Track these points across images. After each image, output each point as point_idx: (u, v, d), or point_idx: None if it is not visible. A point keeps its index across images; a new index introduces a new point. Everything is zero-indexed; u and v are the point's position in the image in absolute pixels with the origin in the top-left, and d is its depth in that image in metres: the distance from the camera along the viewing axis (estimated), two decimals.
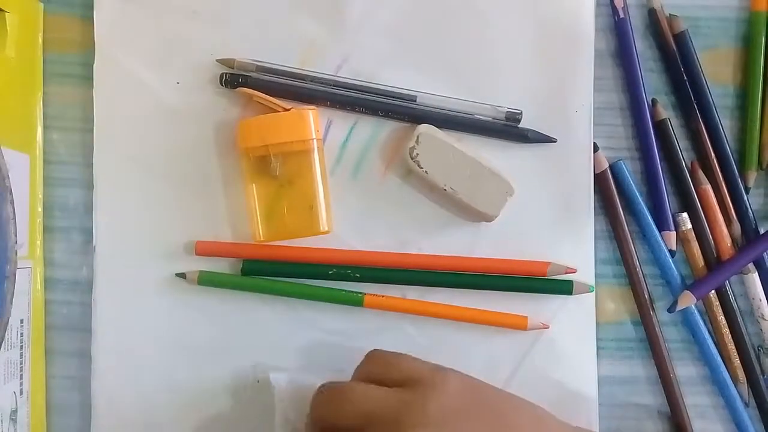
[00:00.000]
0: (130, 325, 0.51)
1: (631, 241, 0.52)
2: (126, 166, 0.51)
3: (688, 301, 0.51)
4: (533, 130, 0.51)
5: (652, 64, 0.53)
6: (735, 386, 0.52)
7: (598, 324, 0.52)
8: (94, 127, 0.51)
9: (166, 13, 0.51)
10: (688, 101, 0.52)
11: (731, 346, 0.52)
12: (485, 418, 0.42)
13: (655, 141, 0.52)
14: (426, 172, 0.50)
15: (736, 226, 0.52)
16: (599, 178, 0.52)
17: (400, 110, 0.51)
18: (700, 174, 0.52)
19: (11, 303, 0.46)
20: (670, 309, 0.52)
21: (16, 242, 0.47)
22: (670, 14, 0.52)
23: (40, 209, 0.51)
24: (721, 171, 0.52)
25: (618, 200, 0.52)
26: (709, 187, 0.52)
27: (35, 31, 0.51)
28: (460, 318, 0.51)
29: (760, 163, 0.52)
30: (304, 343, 0.51)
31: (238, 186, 0.51)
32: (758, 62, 0.52)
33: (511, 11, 0.52)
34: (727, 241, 0.52)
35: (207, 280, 0.51)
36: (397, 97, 0.51)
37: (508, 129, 0.51)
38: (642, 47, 0.53)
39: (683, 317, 0.52)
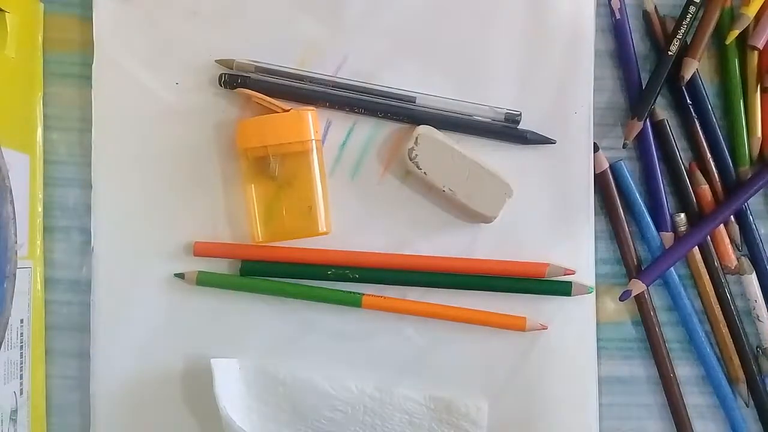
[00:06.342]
0: (130, 325, 0.51)
1: (631, 241, 0.52)
2: (125, 167, 0.51)
3: (639, 288, 0.51)
4: (532, 132, 0.51)
5: (652, 64, 0.52)
6: (736, 386, 0.52)
7: (598, 324, 0.52)
8: (93, 127, 0.51)
9: (166, 13, 0.51)
10: (684, 101, 0.52)
11: (731, 346, 0.52)
12: None
13: (653, 141, 0.52)
14: (425, 173, 0.50)
15: (734, 227, 0.52)
16: (599, 178, 0.52)
17: (399, 111, 0.51)
18: (698, 174, 0.52)
19: (11, 303, 0.46)
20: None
21: (16, 242, 0.47)
22: (663, 15, 0.52)
23: (40, 209, 0.51)
24: (718, 171, 0.52)
25: (618, 200, 0.52)
26: (707, 187, 0.52)
27: (35, 31, 0.52)
28: (459, 319, 0.51)
29: (751, 159, 0.52)
30: (303, 344, 0.51)
31: (237, 187, 0.51)
32: (733, 60, 0.52)
33: (511, 12, 0.51)
34: (725, 241, 0.52)
35: (205, 280, 0.51)
36: (397, 98, 0.51)
37: (507, 130, 0.51)
38: (643, 47, 0.52)
39: (681, 318, 0.52)
